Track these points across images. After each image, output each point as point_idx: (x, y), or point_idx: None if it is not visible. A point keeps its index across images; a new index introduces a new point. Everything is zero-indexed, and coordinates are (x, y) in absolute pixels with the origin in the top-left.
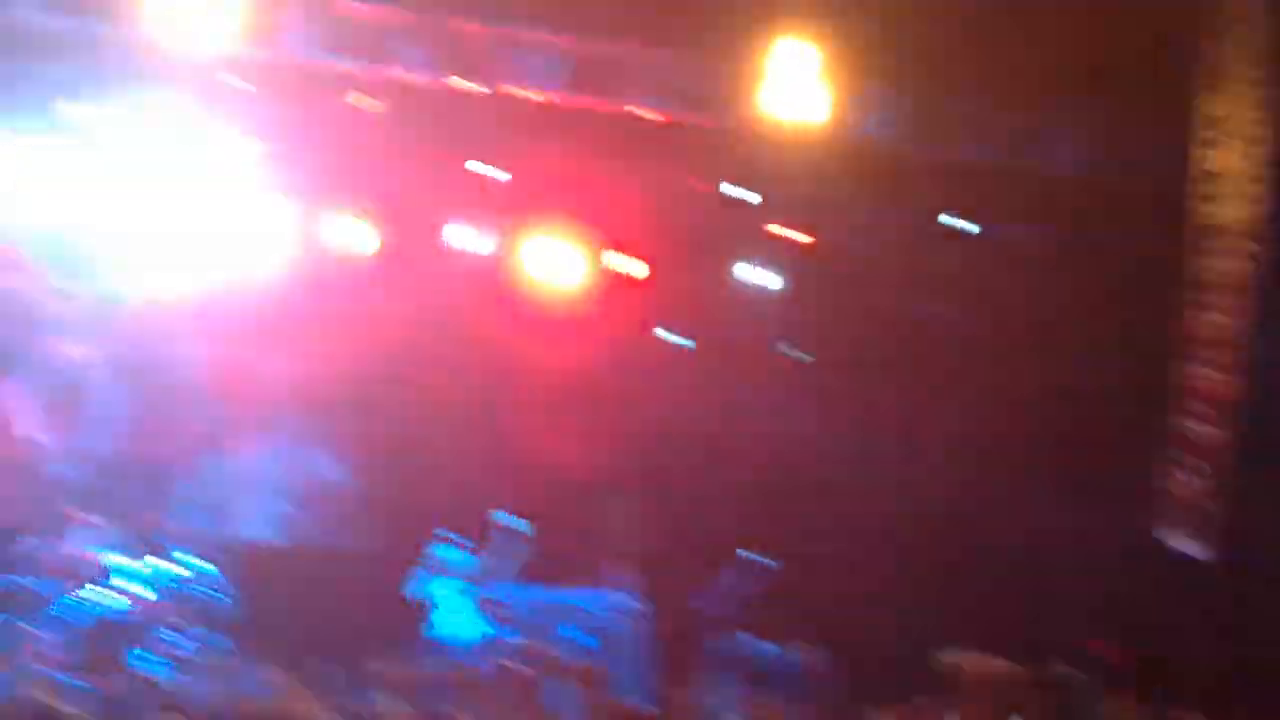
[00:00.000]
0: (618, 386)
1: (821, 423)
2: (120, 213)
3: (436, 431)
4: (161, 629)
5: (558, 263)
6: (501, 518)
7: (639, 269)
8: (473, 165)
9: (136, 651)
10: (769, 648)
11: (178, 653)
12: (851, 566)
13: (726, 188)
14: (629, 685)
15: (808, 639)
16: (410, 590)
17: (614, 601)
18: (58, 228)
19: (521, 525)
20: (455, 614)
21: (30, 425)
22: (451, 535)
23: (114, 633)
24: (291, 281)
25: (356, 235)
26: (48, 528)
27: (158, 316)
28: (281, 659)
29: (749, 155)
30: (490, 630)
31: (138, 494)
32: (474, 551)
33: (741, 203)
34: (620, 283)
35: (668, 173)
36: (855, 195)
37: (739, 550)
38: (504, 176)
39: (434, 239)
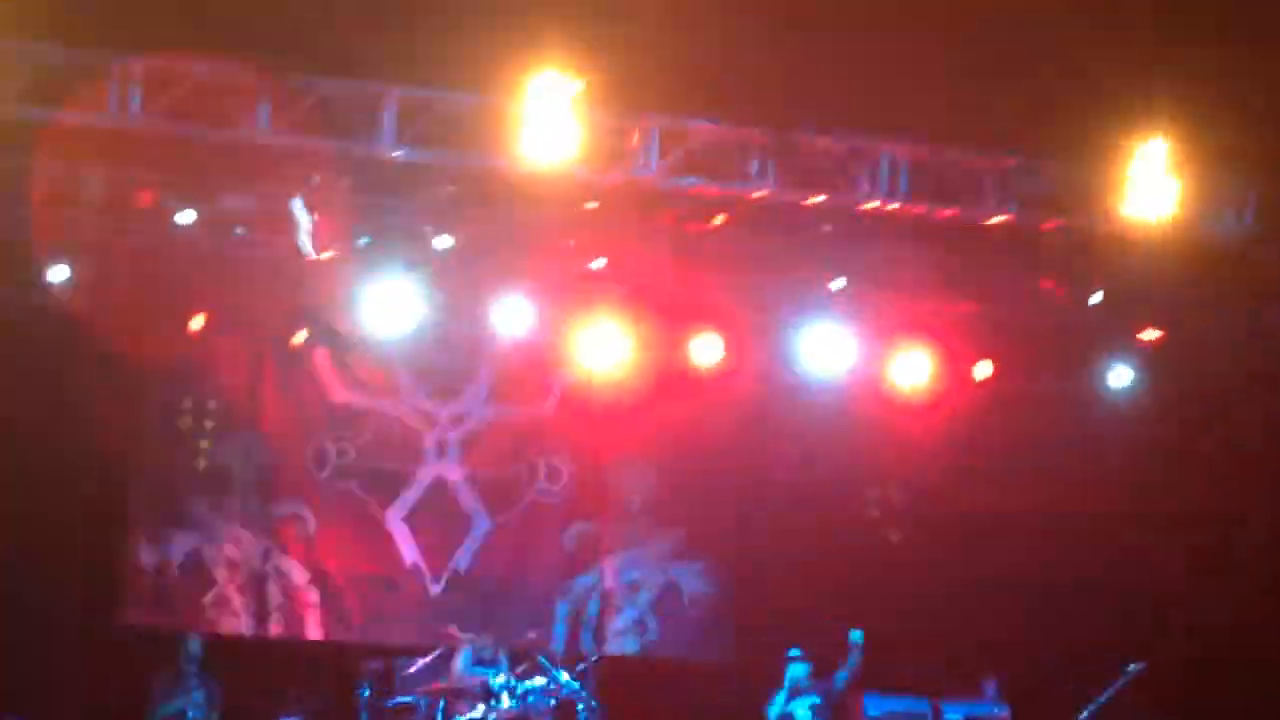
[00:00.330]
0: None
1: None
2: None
3: (792, 546)
4: None
5: (915, 372)
6: (854, 634)
7: (995, 373)
8: (825, 279)
9: None
10: None
11: None
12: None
13: (1077, 289)
14: None
15: None
16: (771, 709)
17: (982, 711)
18: (426, 351)
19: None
20: None
21: (415, 550)
22: (803, 650)
23: None
24: (643, 392)
25: (711, 351)
26: (431, 649)
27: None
28: None
29: (1100, 256)
30: None
31: (512, 613)
32: (827, 667)
33: (1093, 304)
34: (977, 388)
35: (1018, 277)
36: (1207, 291)
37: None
38: (850, 285)
39: (784, 354)
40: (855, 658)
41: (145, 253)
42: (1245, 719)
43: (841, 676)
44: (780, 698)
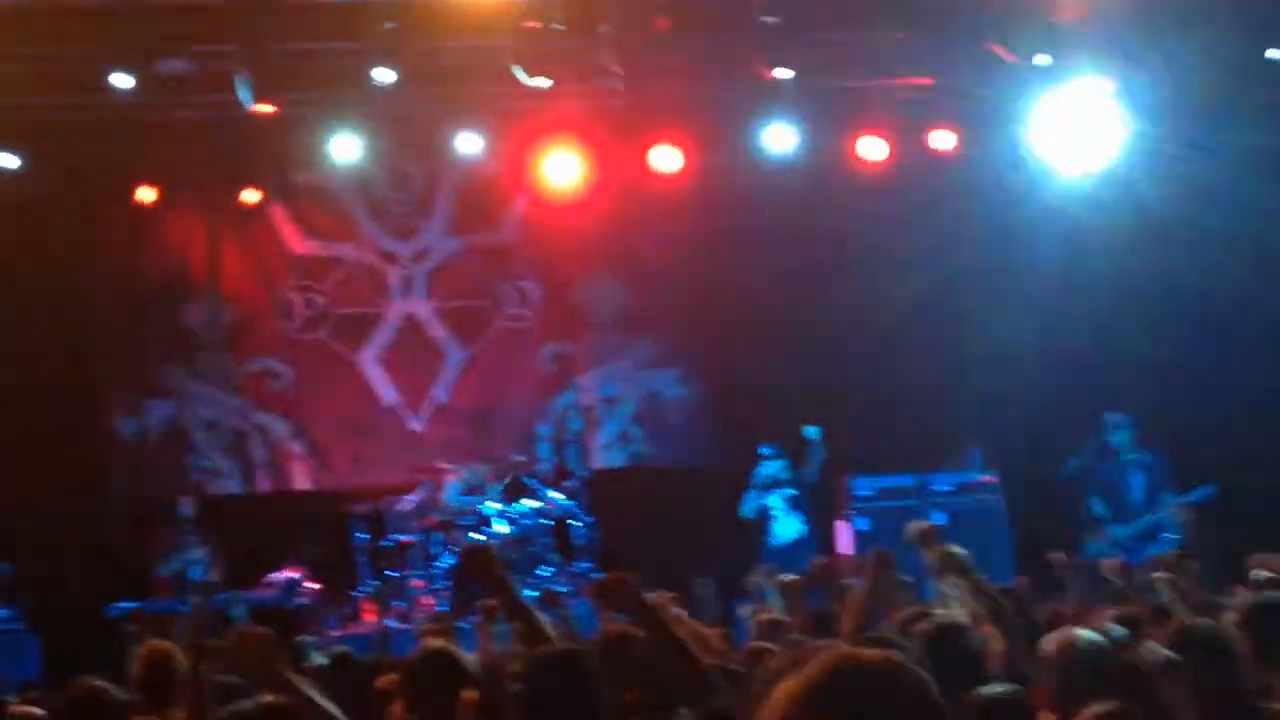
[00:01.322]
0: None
1: None
2: (437, 165)
3: (768, 344)
4: (530, 564)
5: (873, 151)
6: (809, 431)
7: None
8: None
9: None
10: None
11: (549, 586)
12: None
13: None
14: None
15: None
16: (748, 506)
17: (969, 479)
18: (380, 191)
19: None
20: (785, 520)
21: (392, 389)
22: (776, 448)
23: None
24: (603, 208)
25: (669, 159)
26: (420, 485)
27: (476, 265)
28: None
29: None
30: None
31: (495, 439)
32: (795, 463)
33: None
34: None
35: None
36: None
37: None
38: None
39: (743, 154)
40: (816, 452)
41: (89, 129)
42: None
43: (811, 471)
44: (754, 494)
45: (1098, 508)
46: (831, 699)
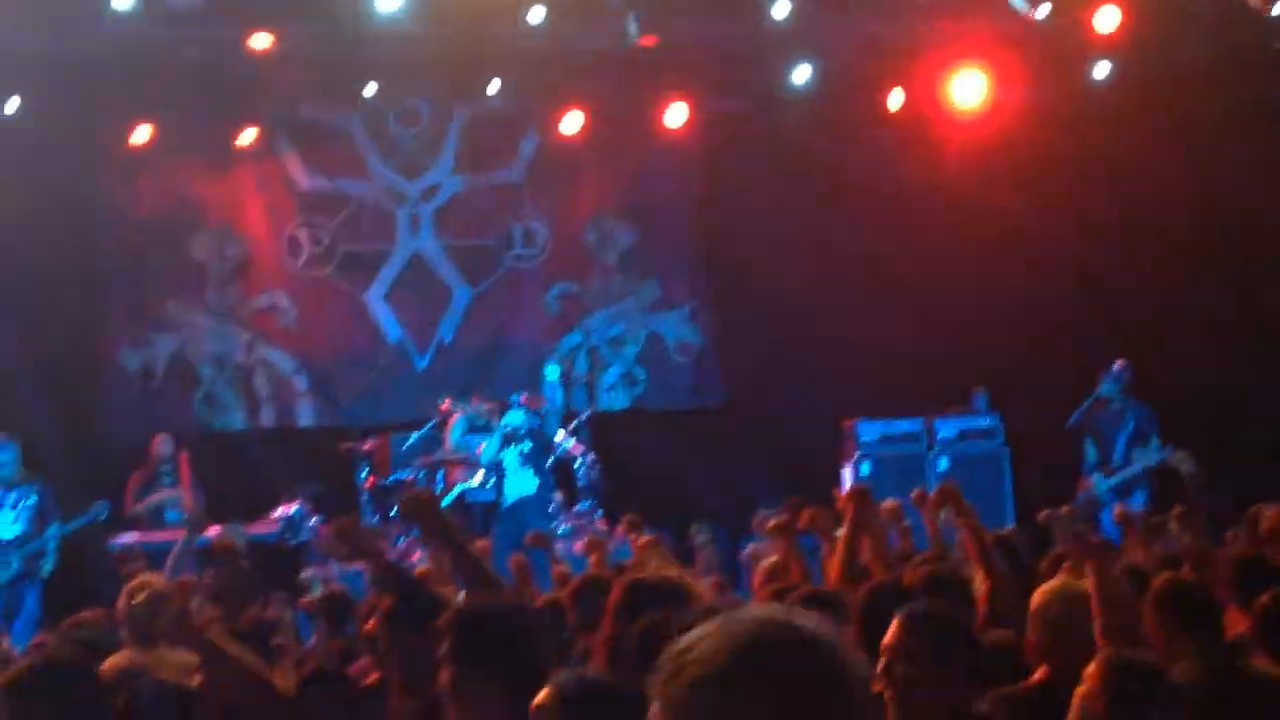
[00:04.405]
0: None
1: None
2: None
3: (775, 286)
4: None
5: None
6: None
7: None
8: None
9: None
10: None
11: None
12: None
13: None
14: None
15: None
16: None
17: (974, 424)
18: (389, 128)
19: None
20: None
21: (398, 326)
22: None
23: (493, 513)
24: (611, 149)
25: (678, 113)
26: (424, 422)
27: (485, 204)
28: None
29: None
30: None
31: (500, 379)
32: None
33: None
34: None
35: None
36: None
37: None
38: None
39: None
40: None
41: (89, 66)
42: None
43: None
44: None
45: (1090, 455)
46: (746, 668)
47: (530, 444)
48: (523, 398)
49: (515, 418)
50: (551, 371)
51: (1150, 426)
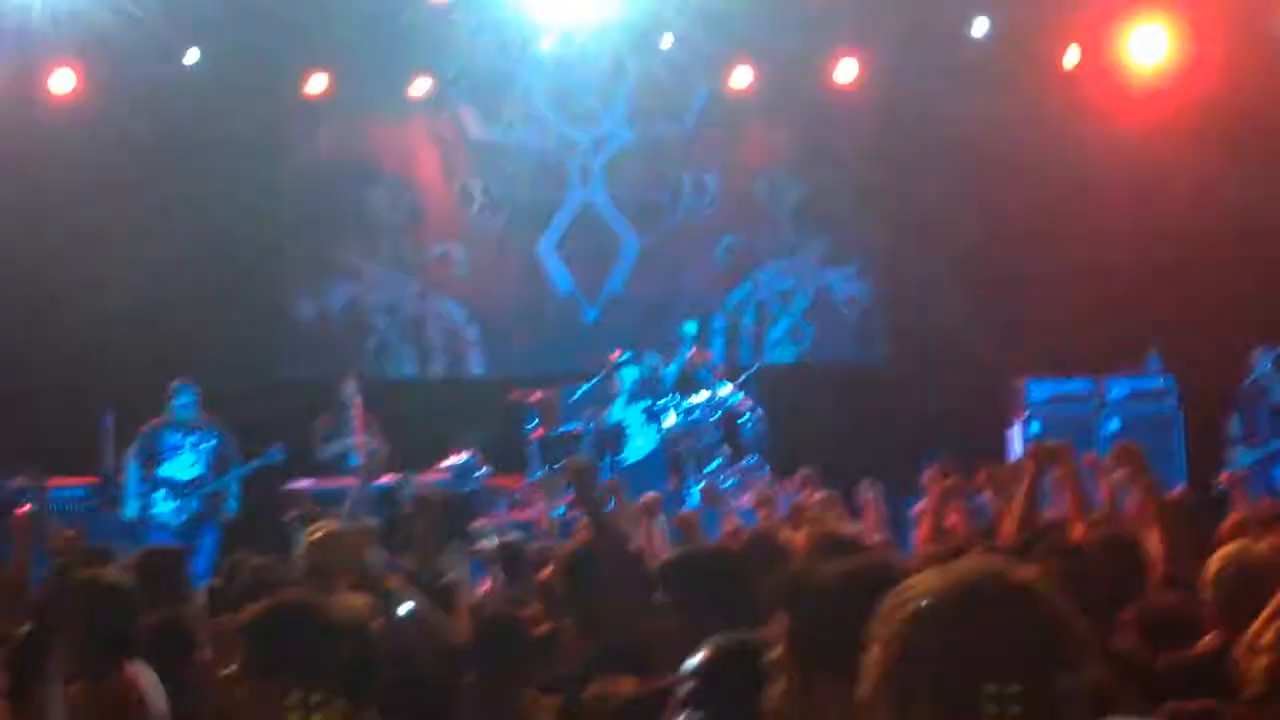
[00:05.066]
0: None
1: None
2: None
3: (945, 243)
4: (699, 459)
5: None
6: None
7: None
8: None
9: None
10: None
11: (718, 479)
12: None
13: None
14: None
15: None
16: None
17: (1146, 385)
18: (561, 79)
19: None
20: (641, 434)
21: (568, 277)
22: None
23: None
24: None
25: (848, 70)
26: (592, 374)
27: (656, 155)
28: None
29: None
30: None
31: (668, 331)
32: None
33: None
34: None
35: None
36: None
37: None
38: None
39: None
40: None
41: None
42: None
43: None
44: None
45: (1235, 429)
46: (965, 610)
47: (649, 400)
48: (691, 352)
49: (630, 374)
50: (690, 327)
51: None
